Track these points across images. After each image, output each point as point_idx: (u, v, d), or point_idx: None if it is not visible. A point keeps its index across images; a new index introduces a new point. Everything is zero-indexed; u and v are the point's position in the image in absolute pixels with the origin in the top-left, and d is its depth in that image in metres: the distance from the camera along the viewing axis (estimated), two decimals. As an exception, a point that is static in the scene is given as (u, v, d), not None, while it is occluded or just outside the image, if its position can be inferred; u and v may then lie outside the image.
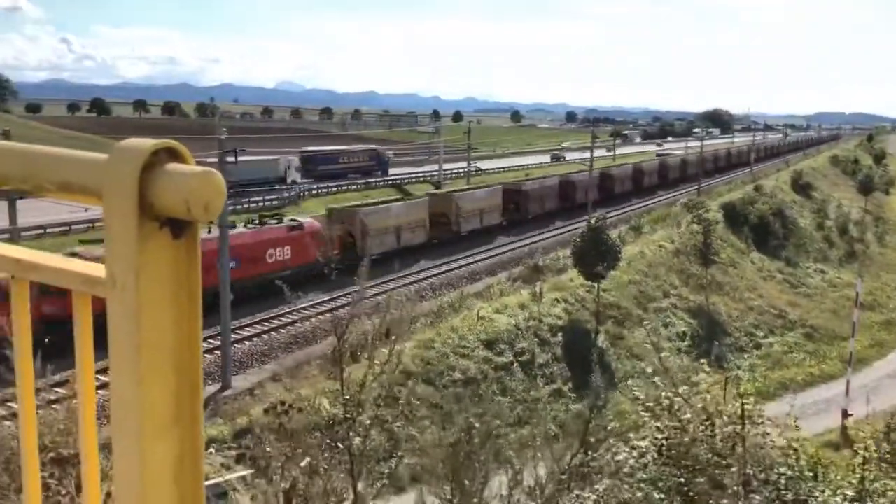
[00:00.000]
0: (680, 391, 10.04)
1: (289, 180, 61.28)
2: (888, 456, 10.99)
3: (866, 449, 10.52)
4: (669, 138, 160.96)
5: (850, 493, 9.54)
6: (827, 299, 48.57)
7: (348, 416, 8.08)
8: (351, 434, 7.95)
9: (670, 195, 73.39)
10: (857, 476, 9.77)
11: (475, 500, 7.97)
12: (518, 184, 59.05)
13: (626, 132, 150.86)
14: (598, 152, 72.35)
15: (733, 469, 8.68)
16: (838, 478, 10.46)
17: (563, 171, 70.08)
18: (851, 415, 28.47)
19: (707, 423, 9.42)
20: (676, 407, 9.99)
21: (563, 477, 7.79)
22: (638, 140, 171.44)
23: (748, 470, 8.70)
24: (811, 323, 43.41)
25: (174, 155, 0.79)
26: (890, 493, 9.47)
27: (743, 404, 9.27)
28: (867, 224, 69.83)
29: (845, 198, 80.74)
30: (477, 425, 8.36)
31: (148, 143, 0.79)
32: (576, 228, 44.77)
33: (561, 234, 51.50)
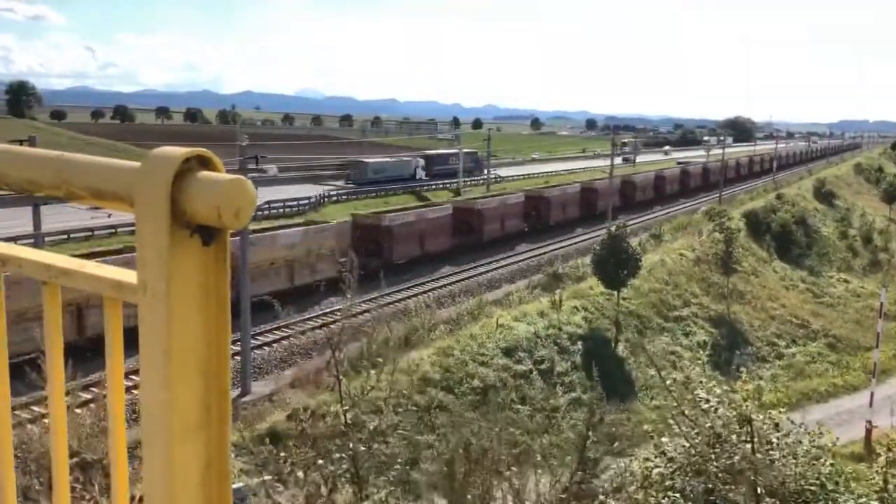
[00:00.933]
0: (709, 398, 9.94)
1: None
2: None
3: (889, 450, 10.38)
4: (667, 147, 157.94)
5: (874, 502, 9.42)
6: (850, 309, 47.98)
7: (349, 425, 8.08)
8: (351, 444, 7.94)
9: (691, 203, 72.99)
10: (881, 479, 9.64)
11: None
12: (540, 191, 59.19)
13: (625, 140, 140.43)
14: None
15: (760, 479, 8.60)
16: (862, 484, 10.33)
17: (585, 179, 69.90)
18: (876, 426, 28.05)
19: (738, 432, 9.33)
20: (703, 414, 9.92)
21: (563, 496, 7.74)
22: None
23: (759, 487, 8.60)
24: (834, 333, 42.91)
25: (205, 163, 0.81)
26: None
27: (751, 419, 9.16)
28: (892, 233, 68.96)
29: (869, 206, 79.82)
30: (473, 441, 8.34)
31: (179, 151, 0.80)
32: (597, 236, 44.87)
33: (583, 241, 51.37)
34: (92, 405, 10.48)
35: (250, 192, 0.78)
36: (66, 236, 37.47)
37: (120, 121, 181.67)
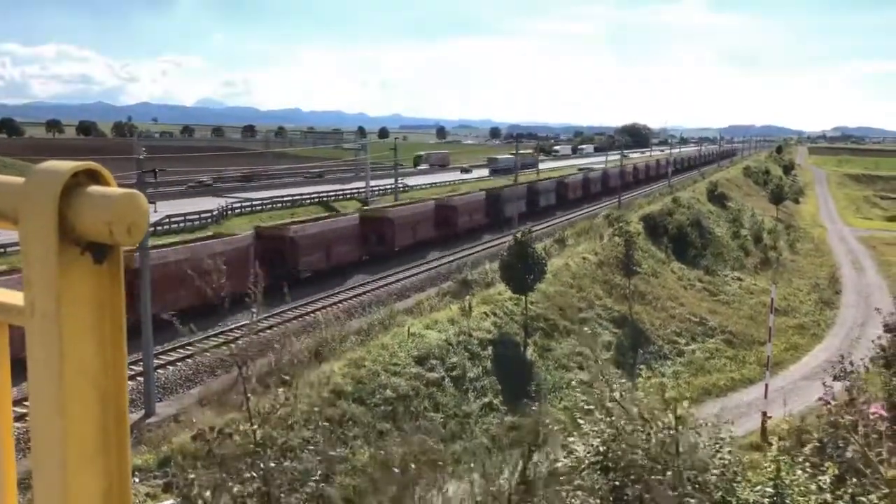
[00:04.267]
0: (616, 396, 10.23)
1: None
2: (797, 448, 11.47)
3: (780, 439, 10.97)
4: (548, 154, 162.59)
5: (769, 489, 9.91)
6: (745, 306, 50.29)
7: (258, 443, 7.90)
8: (262, 463, 7.76)
9: (593, 208, 75.05)
10: (773, 468, 10.14)
11: None
12: (447, 199, 59.60)
13: (556, 147, 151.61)
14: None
15: (668, 473, 8.88)
16: (758, 473, 10.86)
17: (489, 186, 70.77)
18: (770, 416, 29.47)
19: (642, 428, 9.62)
20: (611, 412, 10.19)
21: (507, 486, 7.79)
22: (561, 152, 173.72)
23: (685, 474, 8.91)
24: (730, 329, 44.84)
25: (94, 177, 0.77)
26: (797, 486, 9.85)
27: (675, 408, 9.50)
28: (779, 232, 72.78)
29: (758, 207, 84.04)
30: (384, 451, 8.33)
31: (67, 164, 0.77)
32: (503, 242, 45.92)
33: (490, 247, 51.98)
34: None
35: (143, 207, 0.76)
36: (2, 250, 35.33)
37: (7, 135, 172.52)
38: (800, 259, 67.27)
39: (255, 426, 7.95)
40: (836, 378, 11.64)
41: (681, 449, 9.14)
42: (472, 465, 8.40)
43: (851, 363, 11.86)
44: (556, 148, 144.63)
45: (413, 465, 8.09)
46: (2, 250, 35.57)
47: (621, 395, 10.30)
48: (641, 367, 12.00)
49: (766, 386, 32.69)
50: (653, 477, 8.87)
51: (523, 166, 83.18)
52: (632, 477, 9.14)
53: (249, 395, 8.10)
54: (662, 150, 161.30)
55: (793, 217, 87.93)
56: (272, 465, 7.80)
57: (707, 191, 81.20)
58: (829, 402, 11.59)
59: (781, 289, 48.84)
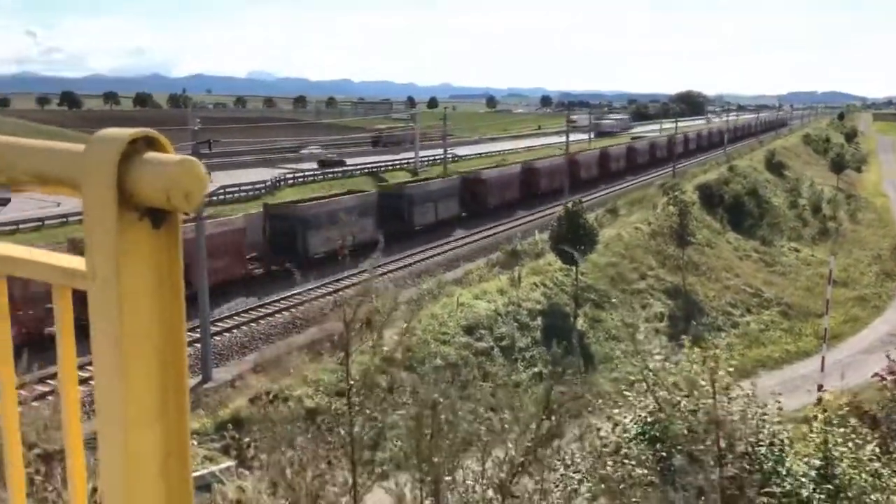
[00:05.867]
0: (658, 369, 10.16)
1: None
2: (847, 419, 11.27)
3: (825, 410, 10.80)
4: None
5: (816, 461, 9.78)
6: (801, 277, 49.21)
7: (350, 402, 8.05)
8: (348, 421, 7.93)
9: (639, 180, 73.35)
10: (821, 440, 9.99)
11: (447, 476, 7.97)
12: (477, 173, 57.83)
13: (574, 117, 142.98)
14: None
15: (708, 443, 8.82)
16: (806, 444, 10.72)
17: (528, 158, 69.37)
18: (827, 390, 28.90)
19: (686, 398, 9.55)
20: (655, 384, 10.13)
21: (529, 445, 7.79)
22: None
23: (721, 443, 8.84)
24: (786, 301, 43.97)
25: (152, 144, 0.78)
26: (847, 459, 9.70)
27: (714, 379, 9.38)
28: (839, 202, 70.73)
29: (818, 176, 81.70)
30: (441, 400, 8.31)
31: (126, 132, 0.78)
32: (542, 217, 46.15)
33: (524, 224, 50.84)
34: (51, 397, 10.31)
35: (200, 174, 0.76)
36: (15, 227, 36.55)
37: (67, 107, 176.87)
38: (861, 229, 65.31)
39: (350, 385, 8.07)
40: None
41: (722, 419, 9.05)
42: (504, 425, 8.44)
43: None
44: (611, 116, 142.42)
45: (445, 423, 8.16)
46: (63, 220, 36.69)
47: (664, 367, 10.22)
48: (684, 338, 11.84)
49: (823, 359, 32.04)
50: (696, 447, 8.81)
51: (622, 129, 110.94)
52: (678, 447, 9.09)
53: (348, 349, 8.23)
54: (716, 119, 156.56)
55: (854, 186, 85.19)
56: (357, 428, 7.96)
57: (765, 159, 79.19)
58: (884, 378, 11.33)
59: (840, 260, 47.58)
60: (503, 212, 53.95)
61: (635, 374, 10.89)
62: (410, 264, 39.33)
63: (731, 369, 10.05)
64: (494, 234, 47.70)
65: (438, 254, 42.18)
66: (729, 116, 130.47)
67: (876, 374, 13.34)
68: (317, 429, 8.11)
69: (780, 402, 10.59)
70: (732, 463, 8.82)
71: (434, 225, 47.38)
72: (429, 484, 8.03)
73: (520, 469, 7.87)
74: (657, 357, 10.63)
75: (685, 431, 9.12)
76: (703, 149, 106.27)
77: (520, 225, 50.12)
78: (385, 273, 33.97)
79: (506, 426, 8.39)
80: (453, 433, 8.18)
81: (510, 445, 8.05)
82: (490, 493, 7.84)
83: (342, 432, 7.86)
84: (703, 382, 9.45)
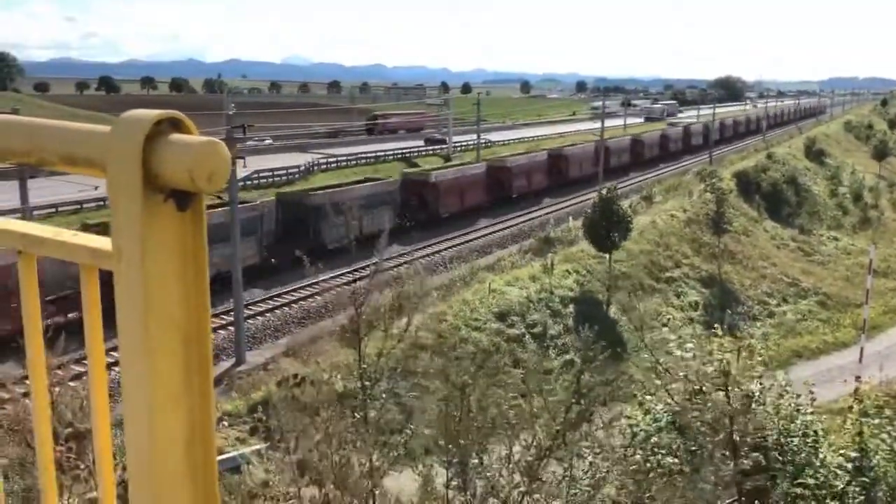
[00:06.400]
0: (690, 360, 10.07)
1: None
2: (886, 408, 11.08)
3: (859, 401, 10.63)
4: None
5: (852, 453, 9.65)
6: (840, 266, 48.34)
7: (365, 386, 8.13)
8: (368, 404, 8.01)
9: (672, 167, 72.40)
10: (856, 431, 9.86)
11: (474, 460, 7.99)
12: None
13: (636, 102, 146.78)
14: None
15: (722, 435, 8.75)
16: (840, 436, 10.58)
17: (557, 145, 68.53)
18: (865, 382, 28.44)
19: (720, 388, 9.46)
20: (686, 375, 10.06)
21: (558, 429, 7.77)
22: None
23: (735, 436, 8.75)
24: (825, 290, 43.25)
25: (177, 126, 0.78)
26: (882, 451, 9.55)
27: (728, 372, 9.26)
28: (881, 190, 69.23)
29: (859, 164, 80.00)
30: (470, 382, 8.30)
31: (151, 113, 0.78)
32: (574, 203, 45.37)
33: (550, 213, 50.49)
34: (85, 377, 10.56)
35: (224, 155, 0.76)
36: (54, 209, 37.29)
37: (105, 92, 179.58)
38: (903, 219, 63.94)
39: (339, 376, 8.17)
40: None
41: (735, 411, 8.95)
42: (533, 410, 8.42)
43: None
44: (636, 103, 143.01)
45: (475, 405, 8.17)
46: (101, 202, 37.31)
47: (693, 357, 10.12)
48: (716, 326, 11.69)
49: (862, 350, 31.51)
50: (717, 438, 8.74)
51: (668, 114, 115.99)
52: (697, 438, 9.03)
53: (363, 336, 8.32)
54: (755, 105, 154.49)
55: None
56: (373, 413, 8.04)
57: (804, 146, 77.73)
58: None
59: (882, 249, 46.62)
60: (529, 200, 52.84)
61: (663, 364, 10.80)
62: (433, 253, 39.33)
63: (760, 358, 9.92)
64: (518, 223, 47.11)
65: (462, 243, 41.88)
66: (767, 103, 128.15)
67: None
68: (342, 411, 8.19)
69: (813, 393, 10.46)
70: (751, 455, 8.73)
71: (460, 213, 46.21)
72: (456, 466, 8.07)
73: (547, 453, 7.87)
74: (676, 349, 10.53)
75: (699, 424, 9.05)
76: (741, 135, 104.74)
77: (545, 214, 49.55)
78: (405, 262, 34.23)
79: (535, 410, 8.38)
80: (483, 416, 8.21)
81: (538, 429, 8.05)
82: (517, 476, 7.85)
83: (357, 416, 7.96)
84: (732, 372, 9.35)
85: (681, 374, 10.13)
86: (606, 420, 9.12)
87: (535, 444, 7.86)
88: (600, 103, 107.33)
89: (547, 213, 49.68)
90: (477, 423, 8.07)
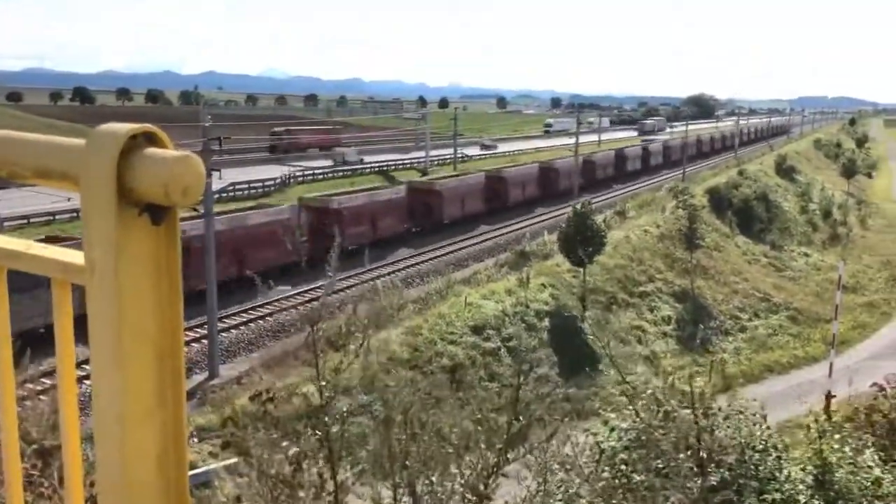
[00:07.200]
0: (657, 379, 10.16)
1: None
2: (842, 425, 11.22)
3: (816, 421, 10.75)
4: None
5: (812, 467, 9.75)
6: (811, 282, 48.94)
7: (324, 403, 8.05)
8: (328, 420, 7.93)
9: (653, 181, 73.65)
10: (816, 448, 9.95)
11: (425, 480, 7.96)
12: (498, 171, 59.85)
13: (550, 120, 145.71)
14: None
15: (689, 453, 8.80)
16: (803, 451, 10.68)
17: (546, 158, 69.77)
18: (835, 396, 28.75)
19: (685, 406, 9.54)
20: (652, 393, 10.15)
21: (500, 447, 7.77)
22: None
23: (702, 453, 8.81)
24: (795, 306, 43.75)
25: (152, 139, 0.78)
26: (845, 465, 9.64)
27: (692, 390, 9.36)
28: (850, 207, 70.33)
29: (828, 181, 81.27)
30: (412, 407, 8.29)
31: (125, 127, 0.78)
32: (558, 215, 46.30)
33: (543, 221, 51.64)
34: (50, 393, 10.36)
35: (198, 169, 0.76)
36: (25, 221, 36.78)
37: (80, 103, 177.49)
38: (871, 235, 64.91)
39: (323, 385, 8.10)
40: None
41: (712, 429, 9.05)
42: (476, 428, 8.45)
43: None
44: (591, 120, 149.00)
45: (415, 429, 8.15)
46: (74, 214, 36.85)
47: (662, 377, 10.19)
48: (698, 343, 11.82)
49: (831, 365, 31.89)
50: (683, 455, 8.80)
51: (658, 130, 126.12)
52: (674, 455, 9.09)
53: (319, 353, 8.25)
54: (725, 123, 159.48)
55: (865, 192, 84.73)
56: (335, 428, 7.96)
57: (775, 163, 78.83)
58: (884, 388, 11.26)
59: (850, 265, 47.34)
60: (522, 209, 56.03)
61: (620, 382, 10.86)
62: (438, 256, 42.14)
63: (708, 381, 10.01)
64: (514, 230, 49.47)
65: (465, 247, 44.57)
66: (739, 120, 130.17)
67: (874, 384, 13.30)
68: (306, 427, 8.13)
69: (764, 410, 10.62)
70: (718, 470, 8.81)
71: (461, 220, 49.48)
72: (405, 487, 8.04)
73: (493, 471, 7.86)
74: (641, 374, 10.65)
75: (665, 442, 9.12)
76: (717, 151, 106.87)
77: (539, 223, 51.84)
78: (414, 266, 36.41)
79: (478, 428, 8.39)
80: (427, 436, 8.18)
81: (482, 447, 8.06)
82: (469, 495, 7.82)
83: (318, 433, 7.91)
84: (697, 394, 9.44)
85: (648, 391, 10.23)
86: (564, 437, 9.13)
87: (480, 463, 7.85)
88: (553, 120, 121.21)
89: (542, 222, 51.88)
90: (420, 444, 8.03)
